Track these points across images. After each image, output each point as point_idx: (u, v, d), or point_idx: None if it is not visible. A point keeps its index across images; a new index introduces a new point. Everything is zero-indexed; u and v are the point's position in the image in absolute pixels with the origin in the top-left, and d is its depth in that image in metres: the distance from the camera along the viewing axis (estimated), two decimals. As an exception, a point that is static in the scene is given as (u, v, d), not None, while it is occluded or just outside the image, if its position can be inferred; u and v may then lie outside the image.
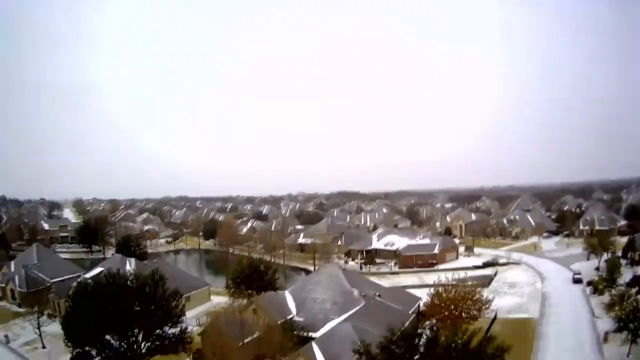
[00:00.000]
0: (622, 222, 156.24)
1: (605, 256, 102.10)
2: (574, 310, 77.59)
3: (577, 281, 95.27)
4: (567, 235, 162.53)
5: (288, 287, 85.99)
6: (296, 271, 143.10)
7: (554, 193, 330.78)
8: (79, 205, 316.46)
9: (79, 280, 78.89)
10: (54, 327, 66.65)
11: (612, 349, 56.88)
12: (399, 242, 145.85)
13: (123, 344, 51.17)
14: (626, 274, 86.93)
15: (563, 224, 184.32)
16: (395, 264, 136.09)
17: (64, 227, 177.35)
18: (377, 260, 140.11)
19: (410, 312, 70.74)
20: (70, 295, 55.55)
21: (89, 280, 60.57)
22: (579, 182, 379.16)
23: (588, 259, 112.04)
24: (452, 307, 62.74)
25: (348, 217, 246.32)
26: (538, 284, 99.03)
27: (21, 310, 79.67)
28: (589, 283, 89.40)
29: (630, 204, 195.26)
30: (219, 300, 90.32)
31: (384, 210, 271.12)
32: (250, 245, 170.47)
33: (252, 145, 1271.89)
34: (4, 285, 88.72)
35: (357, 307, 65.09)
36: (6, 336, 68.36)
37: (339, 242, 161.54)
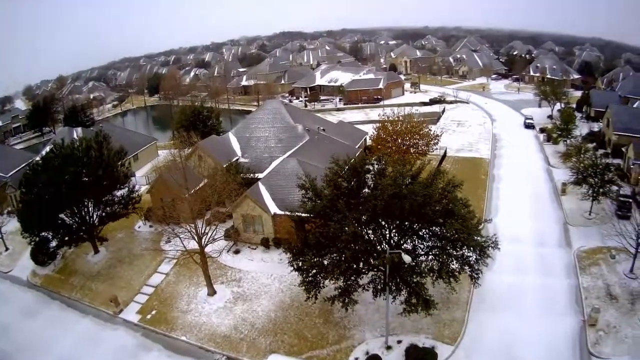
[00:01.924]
0: (576, 76, 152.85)
1: (558, 106, 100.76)
2: (527, 156, 76.41)
3: (528, 126, 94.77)
4: (517, 80, 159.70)
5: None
6: (241, 114, 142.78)
7: (502, 37, 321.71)
8: (28, 92, 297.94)
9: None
10: (15, 223, 62.11)
11: (571, 202, 55.37)
12: (342, 77, 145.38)
13: (76, 218, 51.41)
14: (581, 128, 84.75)
15: (512, 67, 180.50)
16: (340, 99, 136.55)
17: (15, 117, 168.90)
18: (322, 97, 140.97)
19: (356, 146, 72.07)
20: (21, 182, 52.00)
21: (39, 160, 56.54)
22: (529, 30, 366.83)
23: (539, 105, 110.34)
24: (400, 140, 62.52)
25: (290, 56, 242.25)
26: (488, 125, 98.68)
27: (-18, 221, 73.05)
28: (542, 130, 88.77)
29: (584, 60, 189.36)
30: (167, 153, 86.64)
31: (327, 47, 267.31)
32: (194, 94, 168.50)
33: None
34: (-38, 204, 79.02)
35: (302, 143, 64.84)
36: None
37: (282, 81, 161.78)
